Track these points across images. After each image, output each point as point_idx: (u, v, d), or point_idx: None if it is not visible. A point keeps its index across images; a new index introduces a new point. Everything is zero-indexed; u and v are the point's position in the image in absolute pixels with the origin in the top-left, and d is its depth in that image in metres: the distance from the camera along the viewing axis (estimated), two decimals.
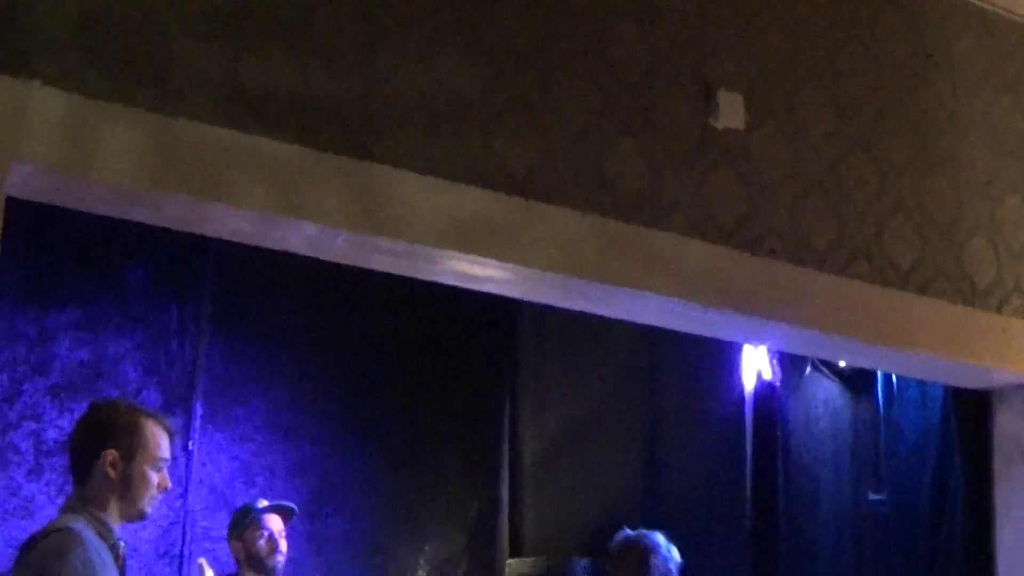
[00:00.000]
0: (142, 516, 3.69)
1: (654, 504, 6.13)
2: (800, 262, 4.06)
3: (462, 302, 5.68)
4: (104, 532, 3.53)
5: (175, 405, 6.04)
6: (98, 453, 3.56)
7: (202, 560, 4.23)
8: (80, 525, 3.47)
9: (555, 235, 3.61)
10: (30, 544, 3.48)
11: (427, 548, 6.67)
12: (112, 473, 3.55)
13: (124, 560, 3.61)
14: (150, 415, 3.72)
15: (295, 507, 5.72)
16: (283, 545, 5.51)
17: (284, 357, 6.44)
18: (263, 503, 5.57)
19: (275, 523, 5.52)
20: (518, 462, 6.96)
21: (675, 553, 4.65)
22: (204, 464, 6.11)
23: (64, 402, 5.69)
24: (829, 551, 5.48)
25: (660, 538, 4.64)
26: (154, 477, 3.62)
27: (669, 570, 4.60)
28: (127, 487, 3.58)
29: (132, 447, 3.58)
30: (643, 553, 4.57)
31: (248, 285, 6.32)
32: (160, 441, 3.65)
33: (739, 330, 4.40)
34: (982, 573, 4.77)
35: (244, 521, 5.51)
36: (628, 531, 4.71)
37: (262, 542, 5.46)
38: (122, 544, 3.61)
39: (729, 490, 5.62)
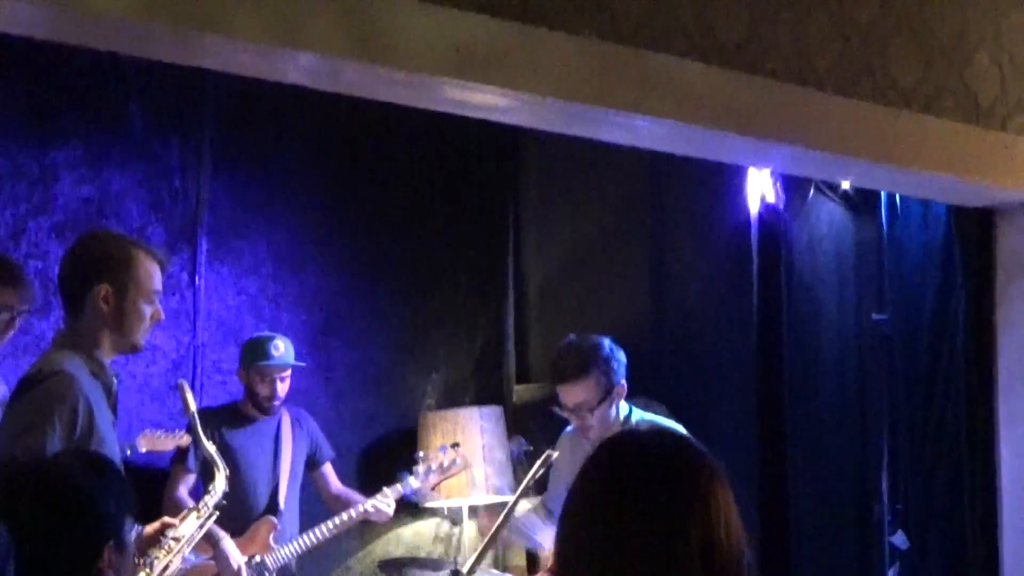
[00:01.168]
0: (135, 349, 3.67)
1: (661, 329, 6.18)
2: (802, 82, 4.02)
3: (465, 132, 5.67)
4: (97, 370, 3.52)
5: (180, 240, 6.06)
6: (90, 287, 3.52)
7: (182, 381, 4.27)
8: (75, 366, 3.45)
9: (554, 60, 3.57)
10: (26, 385, 3.47)
11: (434, 376, 6.75)
12: (105, 308, 3.52)
13: (116, 396, 3.62)
14: (141, 247, 3.65)
15: (303, 364, 5.82)
16: (282, 391, 5.65)
17: (288, 190, 6.44)
18: (277, 349, 5.63)
19: (276, 372, 5.64)
20: (524, 290, 7.00)
21: (621, 355, 4.66)
22: (211, 298, 6.15)
23: (68, 240, 5.68)
24: (833, 369, 5.53)
25: (605, 340, 4.65)
26: (147, 310, 3.59)
27: (613, 369, 4.61)
28: (120, 321, 3.55)
29: (125, 281, 3.55)
30: (585, 353, 4.59)
31: (250, 117, 6.29)
32: (153, 273, 3.61)
33: (741, 153, 4.39)
34: (983, 389, 4.84)
35: (251, 359, 5.62)
36: (572, 336, 4.73)
37: (263, 387, 5.60)
38: (115, 380, 3.61)
39: (735, 313, 5.65)
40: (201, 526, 4.05)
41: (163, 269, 3.67)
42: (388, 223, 6.69)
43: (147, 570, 3.77)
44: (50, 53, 5.50)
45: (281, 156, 6.43)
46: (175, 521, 3.95)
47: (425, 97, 3.65)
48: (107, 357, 3.57)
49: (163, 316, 3.67)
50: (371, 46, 3.31)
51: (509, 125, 4.21)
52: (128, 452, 5.13)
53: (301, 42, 3.23)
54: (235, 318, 6.20)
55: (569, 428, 4.85)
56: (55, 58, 5.71)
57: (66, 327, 3.63)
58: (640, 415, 4.74)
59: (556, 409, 4.67)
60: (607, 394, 4.58)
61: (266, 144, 6.40)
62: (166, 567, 3.82)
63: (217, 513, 4.18)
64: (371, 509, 5.59)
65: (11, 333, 4.80)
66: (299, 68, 3.39)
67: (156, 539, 3.85)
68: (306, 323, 6.35)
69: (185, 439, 5.41)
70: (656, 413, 4.91)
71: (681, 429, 4.52)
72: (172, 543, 3.89)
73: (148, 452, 5.38)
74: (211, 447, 4.30)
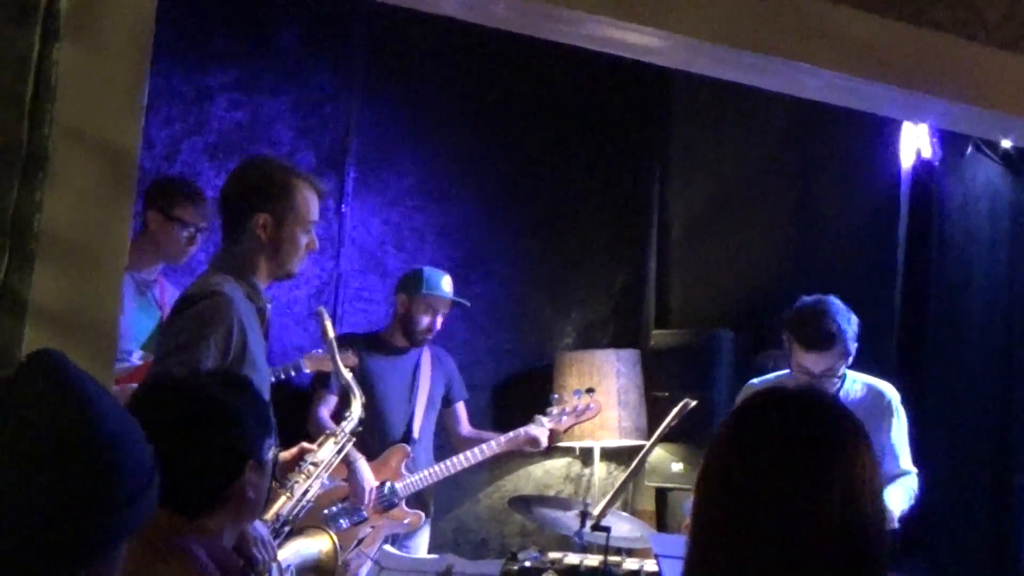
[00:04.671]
0: (290, 276, 3.77)
1: (802, 279, 6.07)
2: (967, 36, 3.90)
3: (614, 68, 5.61)
4: (253, 294, 3.62)
5: (328, 167, 6.11)
6: (250, 214, 3.63)
7: (321, 309, 4.33)
8: (231, 288, 3.54)
9: (712, 2, 3.51)
10: (184, 304, 3.56)
11: (573, 315, 6.74)
12: (263, 235, 3.63)
13: (268, 321, 3.71)
14: (302, 176, 3.75)
15: (468, 304, 5.86)
16: (438, 324, 5.70)
17: (436, 121, 6.45)
18: (445, 285, 5.69)
19: (442, 306, 5.69)
20: (666, 233, 6.94)
21: (855, 317, 4.65)
22: (356, 227, 6.21)
23: (221, 162, 5.79)
24: (978, 332, 5.41)
25: (840, 303, 4.65)
26: (303, 239, 3.69)
27: (856, 334, 4.62)
28: (277, 249, 3.65)
29: (284, 210, 3.64)
30: (837, 321, 4.57)
31: (401, 47, 6.30)
32: (311, 204, 3.70)
33: (901, 106, 4.27)
34: None
35: (421, 289, 5.66)
36: (809, 299, 4.70)
37: (426, 317, 5.66)
38: (267, 305, 3.70)
39: (881, 267, 5.54)
40: (339, 451, 4.12)
41: (321, 199, 3.76)
42: (533, 159, 6.67)
43: (288, 494, 3.84)
44: None
45: (431, 87, 6.43)
46: (313, 447, 4.02)
47: (580, 35, 3.61)
48: (262, 282, 3.67)
49: (317, 245, 3.77)
50: None
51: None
52: (293, 373, 5.24)
53: None
54: (378, 247, 6.25)
55: (756, 380, 4.83)
56: None
57: (224, 251, 3.73)
58: (855, 376, 4.77)
59: (796, 374, 4.64)
60: (848, 358, 4.59)
61: (416, 75, 6.41)
62: (306, 491, 3.89)
63: (354, 439, 4.24)
64: (522, 434, 5.65)
65: (192, 249, 4.96)
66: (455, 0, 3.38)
67: (295, 464, 3.92)
68: (447, 255, 6.38)
69: (352, 359, 5.46)
70: None
71: (891, 391, 4.51)
72: (311, 468, 3.95)
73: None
74: (348, 374, 4.34)
